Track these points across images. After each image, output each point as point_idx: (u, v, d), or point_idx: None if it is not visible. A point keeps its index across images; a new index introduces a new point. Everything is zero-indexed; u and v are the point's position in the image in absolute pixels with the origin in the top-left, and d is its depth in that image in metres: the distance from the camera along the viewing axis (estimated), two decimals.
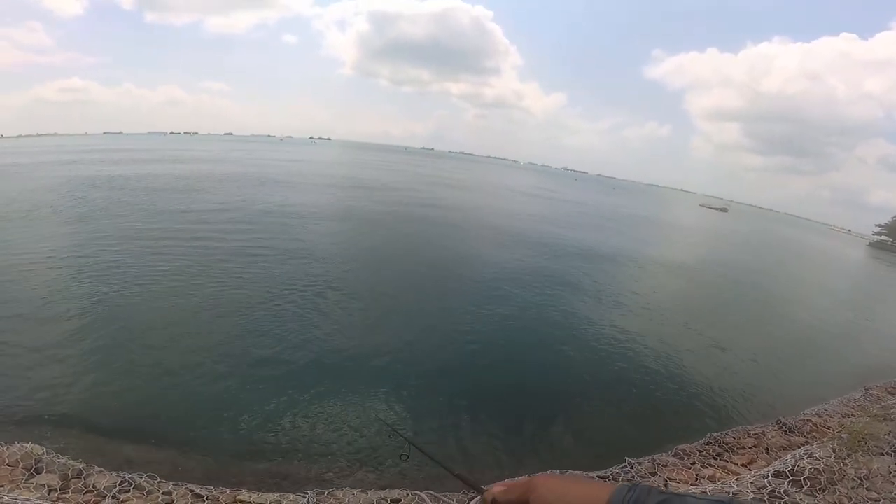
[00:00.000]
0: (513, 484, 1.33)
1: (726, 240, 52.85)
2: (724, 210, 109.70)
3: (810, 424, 9.08)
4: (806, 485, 5.86)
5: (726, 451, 8.05)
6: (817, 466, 6.19)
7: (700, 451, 8.05)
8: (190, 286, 14.08)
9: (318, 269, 16.89)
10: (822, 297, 27.41)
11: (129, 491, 5.95)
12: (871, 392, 11.90)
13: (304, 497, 5.97)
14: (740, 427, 9.07)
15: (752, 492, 5.67)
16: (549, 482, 1.22)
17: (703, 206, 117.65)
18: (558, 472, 6.65)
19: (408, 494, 6.17)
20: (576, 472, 6.99)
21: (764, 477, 6.12)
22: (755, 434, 8.68)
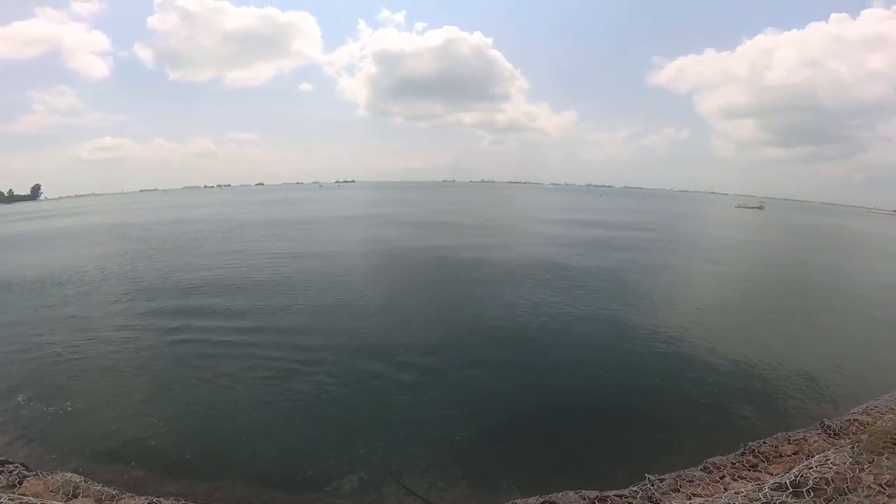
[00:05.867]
0: None
1: (765, 236, 50.12)
2: (760, 208, 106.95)
3: (857, 425, 8.00)
4: (808, 496, 5.18)
5: (762, 461, 7.26)
6: (825, 476, 5.44)
7: (733, 463, 7.33)
8: (237, 325, 15.10)
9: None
10: (874, 286, 24.03)
11: None
12: None
13: None
14: (780, 434, 8.14)
15: None
16: None
17: (739, 206, 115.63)
18: None
19: None
20: (590, 492, 6.67)
21: (759, 490, 5.49)
22: (796, 440, 7.79)
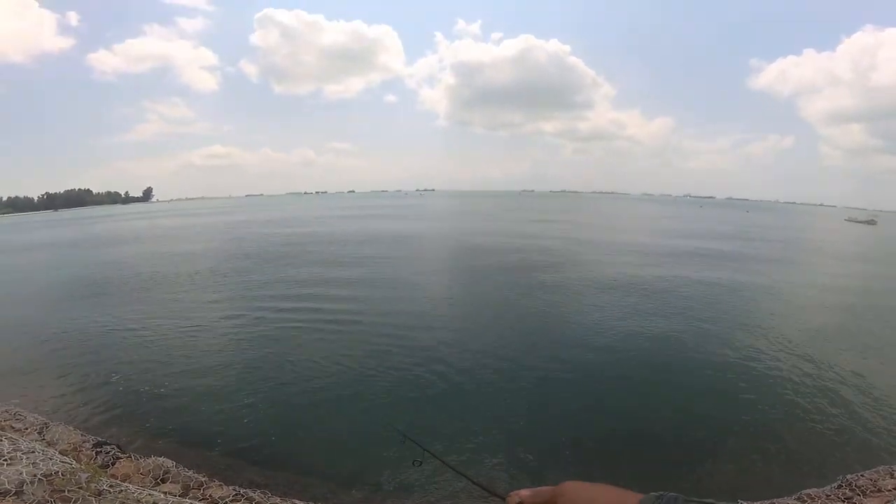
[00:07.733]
0: (539, 490, 1.36)
1: (874, 252, 46.54)
2: (872, 222, 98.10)
3: None
4: None
5: (858, 494, 6.96)
6: None
7: (828, 495, 7.02)
8: (332, 330, 15.32)
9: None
10: None
11: (240, 502, 6.59)
12: None
13: None
14: (881, 467, 7.70)
15: None
16: (577, 488, 1.24)
17: (849, 220, 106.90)
18: None
19: None
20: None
21: None
22: None
